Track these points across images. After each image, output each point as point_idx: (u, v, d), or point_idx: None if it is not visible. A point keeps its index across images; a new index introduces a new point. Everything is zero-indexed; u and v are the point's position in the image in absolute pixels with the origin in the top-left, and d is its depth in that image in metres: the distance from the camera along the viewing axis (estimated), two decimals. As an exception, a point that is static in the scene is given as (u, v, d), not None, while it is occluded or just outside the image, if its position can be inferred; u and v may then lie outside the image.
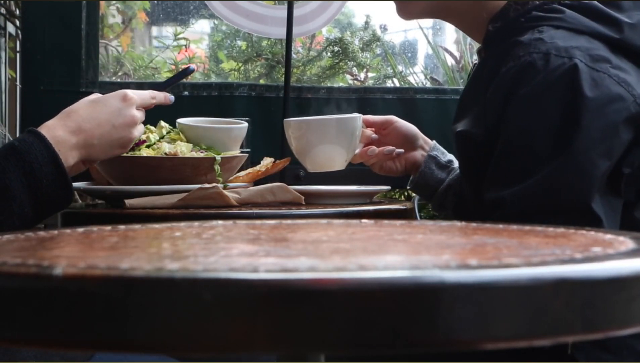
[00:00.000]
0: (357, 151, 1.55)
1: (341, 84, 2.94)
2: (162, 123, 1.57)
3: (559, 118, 1.16)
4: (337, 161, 1.53)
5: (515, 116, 1.19)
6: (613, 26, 1.24)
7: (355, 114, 1.54)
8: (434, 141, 1.61)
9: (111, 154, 1.34)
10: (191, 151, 1.51)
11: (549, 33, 1.22)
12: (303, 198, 1.49)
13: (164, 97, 1.43)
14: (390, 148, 1.56)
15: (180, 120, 1.58)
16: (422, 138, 1.60)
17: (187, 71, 1.59)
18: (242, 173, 1.61)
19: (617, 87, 1.17)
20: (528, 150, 1.17)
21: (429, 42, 3.29)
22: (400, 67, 3.25)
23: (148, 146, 1.50)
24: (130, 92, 1.34)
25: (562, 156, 1.15)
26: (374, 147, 1.56)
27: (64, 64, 2.16)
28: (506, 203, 1.16)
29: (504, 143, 1.20)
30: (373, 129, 1.58)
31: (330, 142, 1.51)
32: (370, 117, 1.58)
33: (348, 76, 3.04)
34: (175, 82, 1.58)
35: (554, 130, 1.16)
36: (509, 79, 1.20)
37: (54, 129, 1.25)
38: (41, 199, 1.19)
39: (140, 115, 1.36)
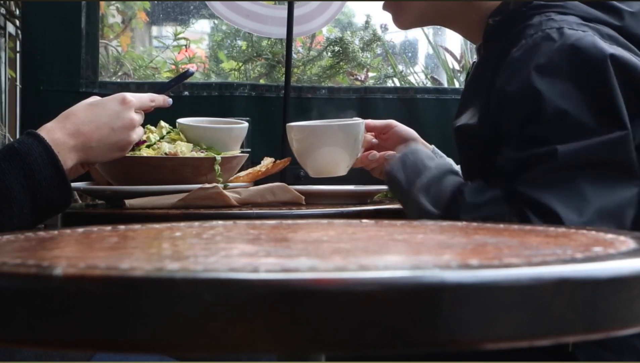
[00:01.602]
0: (358, 155, 1.55)
1: (341, 84, 2.94)
2: (162, 123, 1.57)
3: (588, 82, 1.15)
4: (340, 167, 1.53)
5: (542, 85, 1.16)
6: (614, 14, 1.25)
7: (359, 120, 1.53)
8: (433, 146, 1.60)
9: (110, 157, 1.33)
10: (191, 151, 1.51)
11: (558, 16, 1.22)
12: (303, 198, 1.48)
13: (163, 100, 1.43)
14: (391, 153, 1.55)
15: (180, 120, 1.58)
16: (422, 142, 1.59)
17: (187, 74, 1.59)
18: (242, 173, 1.61)
19: (633, 58, 1.18)
20: (571, 118, 1.14)
21: (429, 41, 3.29)
22: (400, 67, 3.25)
23: (148, 146, 1.49)
24: (129, 95, 1.34)
25: (611, 122, 1.14)
26: (375, 152, 1.56)
27: (63, 64, 2.16)
28: (557, 156, 1.13)
29: (538, 112, 1.16)
30: (373, 133, 1.58)
31: (333, 148, 1.50)
32: (371, 121, 1.58)
33: (348, 76, 3.04)
34: (174, 85, 1.58)
35: (591, 94, 1.15)
36: (523, 54, 1.18)
37: (53, 132, 1.24)
38: (40, 201, 1.19)
39: (139, 118, 1.35)
